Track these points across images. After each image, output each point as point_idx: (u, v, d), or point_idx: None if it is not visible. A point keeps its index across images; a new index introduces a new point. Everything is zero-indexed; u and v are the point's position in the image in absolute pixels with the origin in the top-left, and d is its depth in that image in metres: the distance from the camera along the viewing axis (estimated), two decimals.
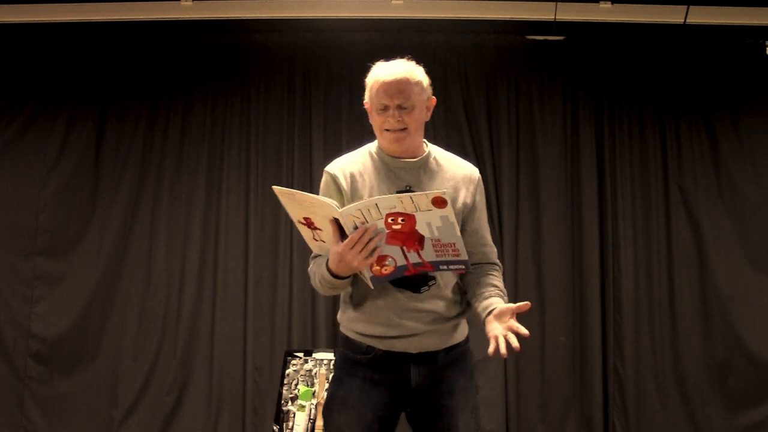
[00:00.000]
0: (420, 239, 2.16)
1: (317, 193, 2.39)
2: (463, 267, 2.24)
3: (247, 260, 5.04)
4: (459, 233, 2.16)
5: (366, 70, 2.46)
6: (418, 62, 2.45)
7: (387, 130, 2.33)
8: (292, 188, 4.81)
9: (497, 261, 2.49)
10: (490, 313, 2.28)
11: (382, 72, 2.36)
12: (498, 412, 4.89)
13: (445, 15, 5.03)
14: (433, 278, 2.31)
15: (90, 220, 5.09)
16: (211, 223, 5.10)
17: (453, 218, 2.12)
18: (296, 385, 4.05)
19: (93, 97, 5.18)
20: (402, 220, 2.12)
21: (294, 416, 3.98)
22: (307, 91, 5.20)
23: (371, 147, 2.45)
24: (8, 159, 5.12)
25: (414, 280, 2.29)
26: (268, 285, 5.02)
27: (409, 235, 2.15)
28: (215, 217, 5.11)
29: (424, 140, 2.45)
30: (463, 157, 2.56)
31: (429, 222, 2.12)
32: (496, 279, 2.41)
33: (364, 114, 5.64)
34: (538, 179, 5.14)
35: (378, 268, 2.22)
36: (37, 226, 5.06)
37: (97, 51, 5.20)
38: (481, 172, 2.53)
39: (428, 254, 2.20)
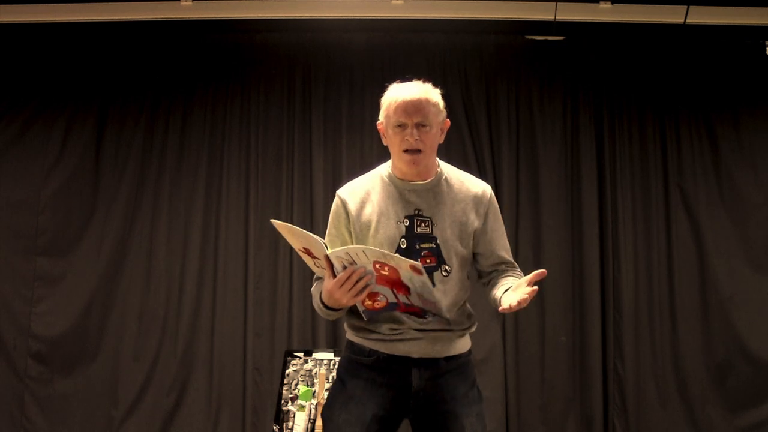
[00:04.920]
0: (407, 288, 2.19)
1: (328, 214, 2.46)
2: (447, 322, 2.30)
3: (247, 260, 5.04)
4: (437, 297, 2.21)
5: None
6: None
7: (405, 151, 2.34)
8: (292, 188, 4.81)
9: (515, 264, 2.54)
10: (507, 290, 2.31)
11: (401, 92, 2.37)
12: (498, 412, 4.89)
13: (445, 15, 5.03)
14: (445, 317, 2.33)
15: (90, 220, 5.09)
16: (211, 223, 5.10)
17: (430, 285, 2.17)
18: (296, 385, 4.05)
19: (93, 97, 5.18)
20: (388, 269, 2.15)
21: (294, 416, 3.98)
22: (307, 91, 5.20)
23: (382, 171, 2.46)
24: (8, 159, 5.12)
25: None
26: (268, 285, 5.02)
27: (396, 281, 2.18)
28: (215, 217, 5.11)
29: (438, 159, 2.46)
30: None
31: (411, 278, 2.16)
32: (514, 275, 2.46)
33: (364, 114, 5.64)
34: (538, 179, 5.14)
35: (370, 303, 2.26)
36: (37, 226, 5.06)
37: (97, 51, 5.20)
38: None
39: (415, 300, 2.23)
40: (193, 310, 5.02)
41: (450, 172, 2.46)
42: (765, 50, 5.18)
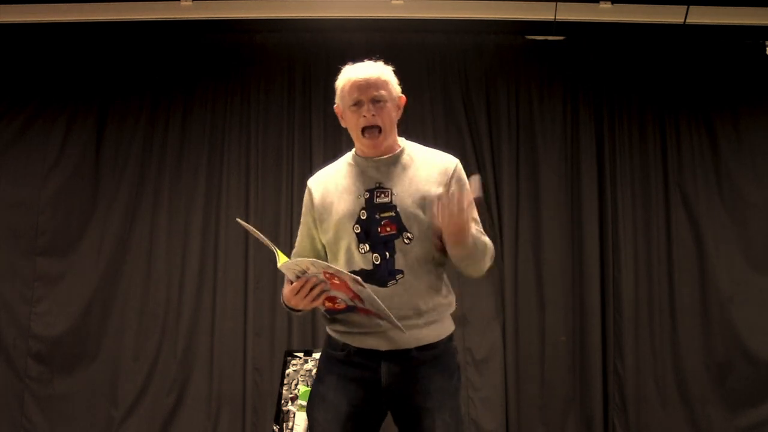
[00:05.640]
0: (358, 296, 2.23)
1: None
2: (400, 330, 2.28)
3: (247, 260, 5.04)
4: (383, 307, 2.22)
5: None
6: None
7: (364, 131, 2.36)
8: (292, 188, 4.85)
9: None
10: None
11: (353, 72, 2.41)
12: (498, 412, 4.89)
13: (445, 15, 5.03)
14: (401, 272, 2.31)
15: (90, 220, 5.09)
16: (211, 223, 5.10)
17: (373, 296, 2.20)
18: (296, 385, 4.05)
19: (93, 97, 5.18)
20: (338, 279, 2.20)
21: (294, 416, 3.99)
22: (307, 91, 5.21)
23: (348, 154, 2.50)
24: (8, 159, 5.12)
25: (380, 275, 2.30)
26: (268, 285, 5.02)
27: (348, 289, 2.22)
28: (215, 216, 5.11)
29: (401, 138, 2.47)
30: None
31: (358, 289, 2.20)
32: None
33: None
34: (538, 179, 5.14)
35: (330, 304, 2.29)
36: (37, 226, 5.06)
37: (97, 51, 5.20)
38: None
39: (369, 306, 2.25)
40: (193, 310, 5.02)
41: (414, 147, 2.47)
42: (765, 50, 5.18)
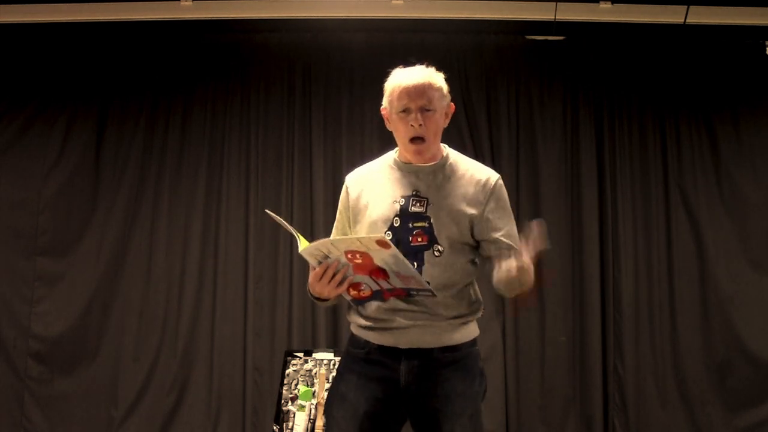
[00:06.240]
0: (383, 271, 2.19)
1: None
2: (431, 293, 2.23)
3: (247, 260, 5.04)
4: (413, 269, 2.18)
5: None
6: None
7: (411, 141, 2.33)
8: (292, 188, 4.85)
9: None
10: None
11: (404, 76, 2.36)
12: (498, 413, 4.89)
13: (445, 15, 5.03)
14: (428, 283, 2.25)
15: (90, 220, 5.09)
16: (211, 223, 5.10)
17: (402, 257, 2.14)
18: (296, 385, 4.05)
19: (93, 97, 5.18)
20: (360, 256, 2.15)
21: (294, 416, 3.99)
22: (307, 91, 5.20)
23: (390, 156, 2.46)
24: (8, 159, 5.13)
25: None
26: (268, 285, 5.02)
27: (372, 268, 2.18)
28: (215, 217, 5.11)
29: (444, 145, 2.45)
30: None
31: (383, 258, 2.15)
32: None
33: (364, 114, 5.63)
34: (538, 179, 5.14)
35: (356, 292, 2.26)
36: (37, 226, 5.06)
37: (97, 51, 5.20)
38: None
39: (396, 282, 2.22)
40: (193, 310, 5.01)
41: (458, 158, 2.45)
42: (765, 50, 5.18)
